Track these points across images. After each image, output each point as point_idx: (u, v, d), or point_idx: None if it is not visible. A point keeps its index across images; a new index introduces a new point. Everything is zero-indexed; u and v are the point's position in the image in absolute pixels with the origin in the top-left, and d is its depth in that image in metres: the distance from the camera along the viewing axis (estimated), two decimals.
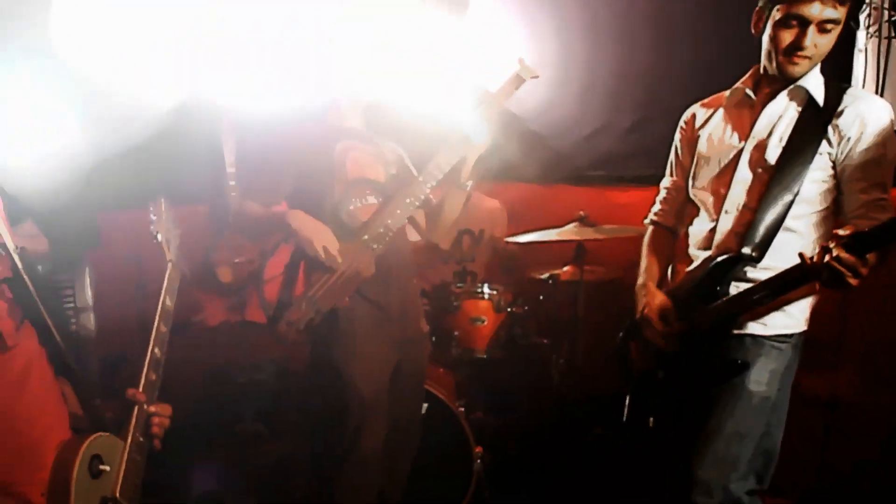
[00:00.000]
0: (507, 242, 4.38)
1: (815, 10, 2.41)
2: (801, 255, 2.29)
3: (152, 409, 2.07)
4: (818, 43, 2.47)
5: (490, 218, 4.77)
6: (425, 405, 3.67)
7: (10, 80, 3.65)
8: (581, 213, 4.11)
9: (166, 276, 2.32)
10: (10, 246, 1.77)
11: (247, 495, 4.10)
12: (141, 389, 2.05)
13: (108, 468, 1.88)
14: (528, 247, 4.20)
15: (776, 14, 2.49)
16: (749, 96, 2.69)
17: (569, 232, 4.08)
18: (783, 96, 2.61)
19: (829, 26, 2.44)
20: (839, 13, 2.42)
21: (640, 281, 2.93)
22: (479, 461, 3.75)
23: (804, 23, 2.45)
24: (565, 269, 4.34)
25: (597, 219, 4.13)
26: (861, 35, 3.51)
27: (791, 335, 2.61)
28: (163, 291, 2.27)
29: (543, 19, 4.42)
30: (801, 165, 2.51)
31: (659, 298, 2.76)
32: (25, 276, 1.78)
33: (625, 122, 4.45)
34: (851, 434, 3.69)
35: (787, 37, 2.50)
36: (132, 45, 3.66)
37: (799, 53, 2.49)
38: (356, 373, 3.08)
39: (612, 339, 4.18)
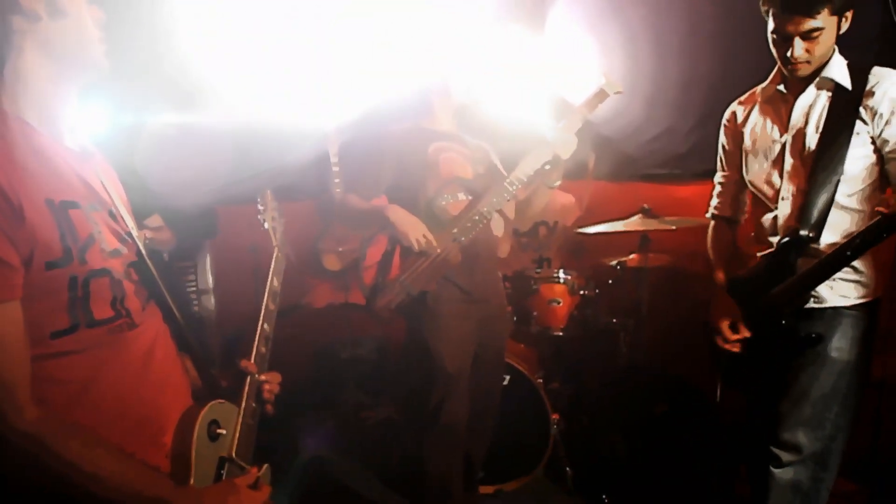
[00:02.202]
0: (578, 232, 4.24)
1: (791, 28, 2.33)
2: (885, 199, 2.20)
3: (263, 377, 1.99)
4: (810, 49, 2.36)
5: (563, 211, 4.64)
6: (507, 377, 3.60)
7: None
8: (644, 206, 3.96)
9: (273, 259, 2.24)
10: (135, 233, 1.70)
11: (349, 458, 4.01)
12: (252, 361, 1.97)
13: (224, 431, 1.79)
14: (599, 236, 4.05)
15: (768, 26, 2.43)
16: (781, 91, 2.57)
17: (633, 223, 3.94)
18: (812, 88, 2.48)
19: (815, 34, 2.33)
20: (821, 21, 2.30)
21: (714, 274, 2.79)
22: (555, 427, 3.65)
23: (787, 37, 2.36)
24: (632, 256, 4.19)
25: (659, 211, 3.99)
26: None
27: (866, 302, 2.47)
28: (270, 273, 2.19)
29: (613, 35, 4.25)
30: (841, 147, 2.38)
31: (727, 310, 2.62)
32: (149, 261, 1.71)
33: (685, 127, 4.24)
34: None
35: (779, 49, 2.42)
36: (246, 56, 3.63)
37: (794, 63, 2.40)
38: (442, 349, 3.02)
39: (674, 319, 4.07)
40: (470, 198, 3.09)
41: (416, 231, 2.96)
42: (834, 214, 2.42)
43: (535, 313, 3.97)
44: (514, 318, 4.00)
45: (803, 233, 2.43)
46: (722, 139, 2.83)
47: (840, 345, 2.44)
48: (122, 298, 1.57)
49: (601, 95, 2.96)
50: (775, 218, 2.58)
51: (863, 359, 2.46)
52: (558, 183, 3.15)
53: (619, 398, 3.93)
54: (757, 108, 2.67)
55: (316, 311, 4.99)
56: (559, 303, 3.95)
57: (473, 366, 3.14)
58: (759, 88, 2.68)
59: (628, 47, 4.19)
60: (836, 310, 2.46)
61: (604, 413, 4.03)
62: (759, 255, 2.65)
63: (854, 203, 2.43)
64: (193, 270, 4.68)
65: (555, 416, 3.64)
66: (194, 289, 4.58)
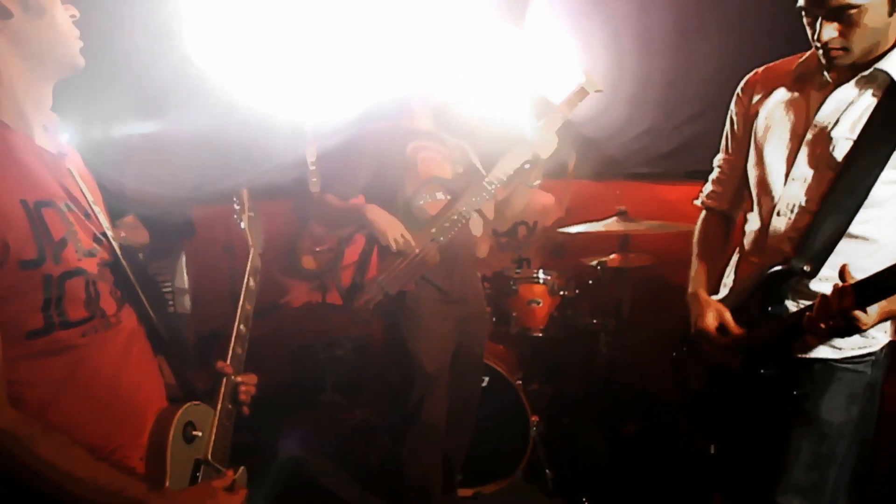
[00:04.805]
0: (559, 232, 4.27)
1: (815, 5, 1.86)
2: None
3: (239, 378, 2.01)
4: (846, 33, 1.84)
5: (543, 211, 4.67)
6: (486, 378, 3.61)
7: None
8: (620, 207, 3.97)
9: (249, 259, 2.24)
10: (110, 233, 1.71)
11: (327, 459, 4.02)
12: (228, 362, 1.99)
13: (199, 433, 1.81)
14: (580, 236, 4.07)
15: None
16: (823, 74, 2.01)
17: (610, 225, 3.96)
18: (852, 83, 1.96)
19: (851, 11, 1.80)
20: None
21: (689, 289, 2.29)
22: (535, 428, 3.67)
23: (815, 17, 1.88)
24: (612, 256, 4.22)
25: (640, 213, 3.99)
26: None
27: (871, 353, 2.03)
28: (246, 273, 2.20)
29: (596, 31, 4.27)
30: (876, 163, 1.88)
31: (712, 307, 2.15)
32: (124, 262, 1.73)
33: (669, 125, 4.26)
34: None
35: (811, 30, 1.92)
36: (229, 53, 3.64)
37: (828, 49, 1.89)
38: (421, 349, 3.05)
39: (654, 320, 4.09)
40: (449, 197, 3.11)
41: (393, 230, 2.98)
42: (843, 244, 1.95)
43: (514, 314, 4.00)
44: (494, 319, 4.03)
45: (797, 263, 1.97)
46: (732, 111, 2.30)
47: (833, 405, 2.02)
48: (96, 299, 1.59)
49: (581, 94, 2.97)
50: (764, 233, 2.13)
51: (867, 417, 2.06)
52: (538, 182, 3.19)
53: (599, 399, 3.98)
54: (785, 84, 2.13)
55: (293, 311, 5.00)
56: (539, 303, 3.98)
57: (452, 366, 3.17)
58: (797, 58, 2.12)
59: (611, 44, 4.23)
60: (825, 363, 2.03)
61: (584, 414, 4.10)
62: (742, 276, 2.23)
63: (870, 232, 1.96)
64: (169, 270, 4.67)
65: (534, 418, 3.67)
66: (170, 289, 4.58)
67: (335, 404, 4.60)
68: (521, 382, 3.73)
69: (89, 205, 1.67)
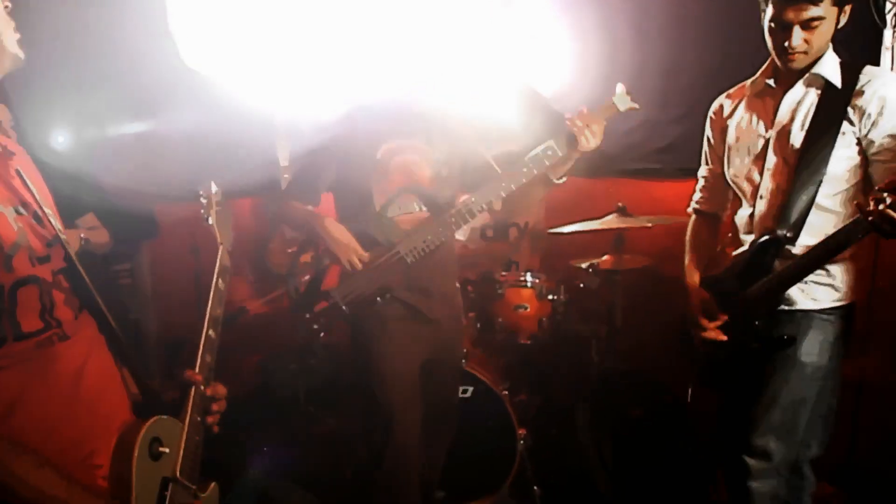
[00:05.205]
0: (550, 233, 4.30)
1: (791, 16, 2.42)
2: (858, 204, 2.28)
3: (209, 391, 2.00)
4: (809, 39, 2.45)
5: (534, 212, 4.70)
6: (470, 389, 3.66)
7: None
8: (619, 204, 4.02)
9: (218, 259, 2.22)
10: (64, 237, 1.72)
11: (296, 476, 4.03)
12: (197, 370, 1.98)
13: (167, 450, 1.82)
14: (570, 237, 4.11)
15: (765, 14, 2.52)
16: (770, 86, 2.69)
17: (608, 222, 3.99)
18: (801, 84, 2.60)
19: (814, 24, 2.42)
20: (822, 10, 2.40)
21: (687, 278, 2.92)
22: (522, 442, 3.71)
23: (786, 25, 2.45)
24: (605, 258, 4.25)
25: (636, 210, 4.05)
26: (888, 34, 3.40)
27: (839, 307, 2.62)
28: (215, 274, 2.17)
29: (590, 18, 4.30)
30: (826, 146, 2.50)
31: (698, 296, 2.82)
32: (80, 267, 1.73)
33: (666, 118, 4.32)
34: (879, 417, 3.60)
35: (776, 38, 2.51)
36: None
37: (791, 53, 2.49)
38: (387, 374, 3.02)
39: (649, 324, 4.15)
40: (425, 209, 3.04)
41: (346, 252, 2.94)
42: (814, 215, 2.55)
43: (500, 319, 4.04)
44: (478, 325, 4.07)
45: (781, 232, 2.56)
46: (708, 132, 2.96)
47: (810, 349, 2.59)
48: (51, 308, 1.60)
49: (609, 108, 2.88)
50: (752, 216, 2.72)
51: (835, 364, 2.62)
52: (563, 179, 3.05)
53: (590, 410, 4.02)
54: (745, 102, 2.79)
55: (263, 317, 5.00)
56: (526, 308, 4.03)
57: (424, 385, 3.12)
58: (748, 82, 2.79)
59: (606, 31, 4.26)
60: (806, 313, 2.61)
61: (575, 426, 4.13)
62: (733, 254, 2.79)
63: (835, 205, 2.56)
64: (130, 274, 4.69)
65: (521, 431, 3.70)
66: (131, 294, 4.60)
67: (308, 415, 4.61)
68: (507, 393, 3.77)
69: (40, 207, 1.68)
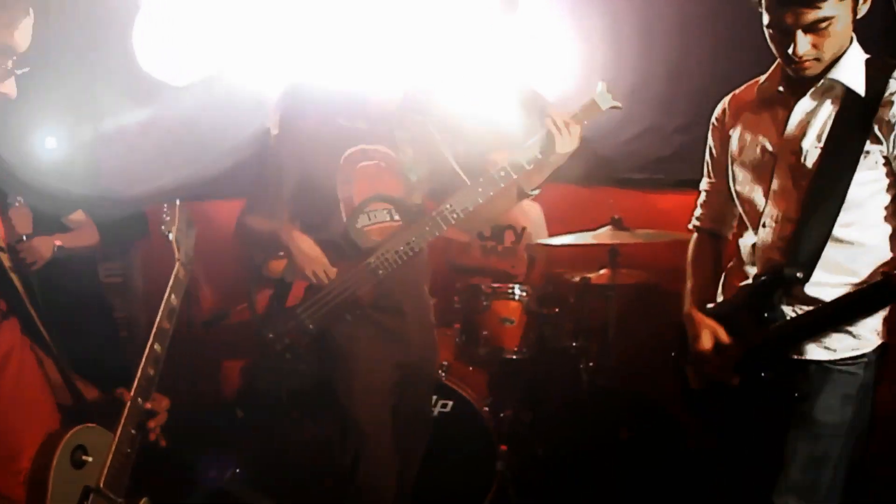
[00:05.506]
0: (539, 244, 4.34)
1: (790, 20, 2.10)
2: (885, 273, 2.11)
3: (148, 405, 2.08)
4: (819, 43, 2.12)
5: (531, 219, 4.70)
6: (449, 403, 3.71)
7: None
8: (615, 216, 4.02)
9: (173, 274, 2.30)
10: None
11: (274, 487, 4.11)
12: (136, 384, 2.06)
13: (90, 459, 1.90)
14: (561, 249, 4.14)
15: (763, 18, 2.21)
16: (779, 92, 2.35)
17: (602, 235, 4.01)
18: (813, 93, 2.26)
19: (822, 25, 2.08)
20: (828, 9, 2.05)
21: (685, 308, 2.57)
22: (501, 461, 3.74)
23: (788, 31, 2.13)
24: (601, 272, 4.26)
25: (635, 223, 4.06)
26: None
27: (863, 354, 2.29)
28: (168, 289, 2.25)
29: (594, 20, 4.33)
30: (845, 168, 2.18)
31: (706, 326, 2.41)
32: (12, 274, 1.82)
33: (670, 125, 4.34)
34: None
35: (779, 45, 2.20)
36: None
37: (799, 62, 2.16)
38: (354, 397, 3.04)
39: (644, 345, 4.17)
40: (398, 218, 3.05)
41: (311, 264, 2.94)
42: (831, 249, 2.23)
43: (484, 332, 4.07)
44: (463, 338, 4.12)
45: (789, 271, 2.24)
46: (710, 140, 2.66)
47: (828, 405, 2.27)
48: None
49: (591, 108, 2.84)
50: (755, 246, 2.42)
51: (860, 417, 2.30)
52: (537, 191, 3.03)
53: (578, 427, 4.04)
54: (750, 108, 2.46)
55: (246, 321, 5.07)
56: (512, 322, 4.07)
57: (396, 397, 3.15)
58: (757, 82, 2.47)
59: (610, 34, 4.29)
60: (820, 364, 2.29)
61: (562, 446, 4.14)
62: (739, 285, 2.48)
63: (855, 235, 2.25)
64: (120, 272, 4.83)
65: (503, 448, 3.76)
66: (121, 291, 4.74)
67: (292, 421, 4.67)
68: (488, 409, 3.82)
69: None
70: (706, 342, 2.39)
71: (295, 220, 3.08)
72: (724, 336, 2.37)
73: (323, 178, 3.01)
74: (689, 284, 2.66)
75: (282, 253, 3.92)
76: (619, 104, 2.85)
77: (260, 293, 5.02)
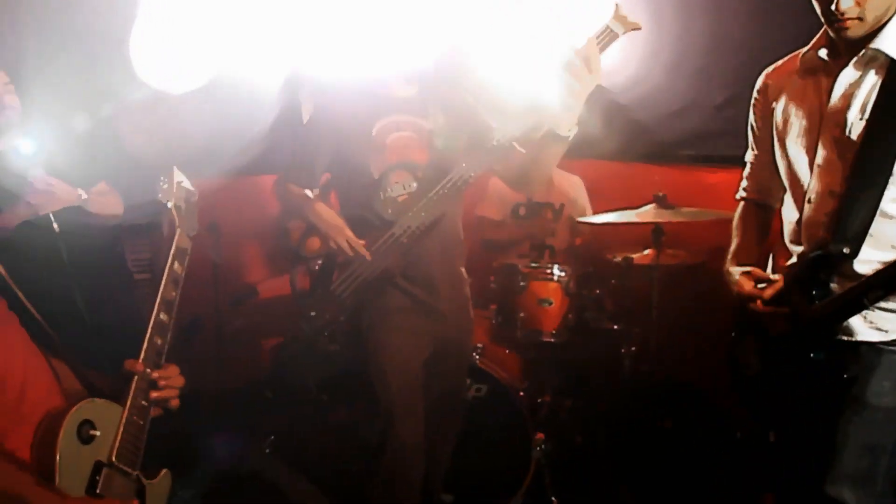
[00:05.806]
0: (579, 222, 4.21)
1: None
2: None
3: (155, 374, 2.03)
4: (861, 1, 2.07)
5: (570, 197, 4.60)
6: (484, 387, 3.63)
7: None
8: (659, 193, 3.89)
9: (174, 242, 2.26)
10: None
11: (301, 467, 4.05)
12: (143, 354, 2.02)
13: (98, 433, 1.84)
14: (602, 227, 4.02)
15: None
16: (822, 59, 2.31)
17: (645, 214, 3.89)
18: (856, 62, 2.22)
19: None
20: None
21: (725, 265, 2.59)
22: (539, 447, 3.65)
23: None
24: (646, 252, 4.13)
25: (680, 200, 3.93)
26: None
27: None
28: (170, 255, 2.22)
29: None
30: (893, 141, 2.14)
31: (742, 274, 2.45)
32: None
33: (716, 99, 4.19)
34: None
35: (821, 1, 2.16)
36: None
37: (842, 19, 2.11)
38: (387, 369, 3.00)
39: (689, 329, 4.04)
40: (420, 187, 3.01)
41: (336, 235, 2.95)
42: (879, 223, 2.18)
43: (521, 314, 3.97)
44: (499, 319, 4.03)
45: (836, 247, 2.20)
46: (751, 114, 2.65)
47: (880, 388, 2.20)
48: None
49: (608, 35, 2.49)
50: (799, 222, 2.38)
51: None
52: (574, 131, 2.62)
53: (618, 414, 3.94)
54: (793, 79, 2.43)
55: (279, 299, 5.01)
56: (550, 303, 3.96)
57: (428, 376, 3.10)
58: (800, 53, 2.42)
59: (650, 4, 4.16)
60: (871, 345, 2.23)
61: (602, 434, 4.04)
62: (786, 264, 2.44)
63: None
64: (148, 267, 4.77)
65: (539, 436, 3.65)
66: (147, 271, 4.68)
67: (319, 404, 4.61)
68: (524, 394, 3.73)
69: None
70: (747, 285, 2.43)
71: (328, 193, 3.15)
72: (761, 272, 2.45)
73: (356, 151, 3.00)
74: (732, 246, 2.67)
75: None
76: (639, 24, 2.53)
77: (298, 272, 5.04)
